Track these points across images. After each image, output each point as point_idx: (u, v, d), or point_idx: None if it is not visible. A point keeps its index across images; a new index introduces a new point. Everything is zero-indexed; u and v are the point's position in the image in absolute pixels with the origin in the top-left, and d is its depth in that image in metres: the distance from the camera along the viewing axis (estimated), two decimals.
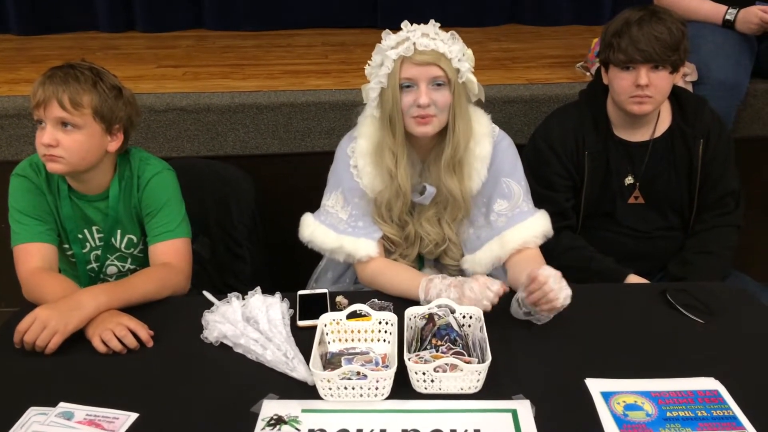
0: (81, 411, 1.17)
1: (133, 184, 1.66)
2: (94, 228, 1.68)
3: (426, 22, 1.52)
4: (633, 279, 1.79)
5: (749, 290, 1.61)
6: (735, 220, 1.87)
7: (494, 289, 1.38)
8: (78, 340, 1.36)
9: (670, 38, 1.68)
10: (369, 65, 1.56)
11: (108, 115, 1.55)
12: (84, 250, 1.69)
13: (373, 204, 1.63)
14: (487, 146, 1.59)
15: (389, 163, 1.56)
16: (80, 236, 1.68)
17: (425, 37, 1.47)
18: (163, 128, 2.33)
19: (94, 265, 1.72)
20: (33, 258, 1.57)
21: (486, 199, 1.63)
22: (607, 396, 1.19)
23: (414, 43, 1.46)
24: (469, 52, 1.54)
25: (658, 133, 1.85)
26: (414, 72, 1.48)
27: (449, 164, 1.56)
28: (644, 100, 1.73)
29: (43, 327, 1.32)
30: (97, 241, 1.69)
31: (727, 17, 2.26)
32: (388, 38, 1.51)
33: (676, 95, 1.86)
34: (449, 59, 1.48)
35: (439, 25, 1.52)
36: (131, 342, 1.34)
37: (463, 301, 1.39)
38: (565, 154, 1.86)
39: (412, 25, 1.51)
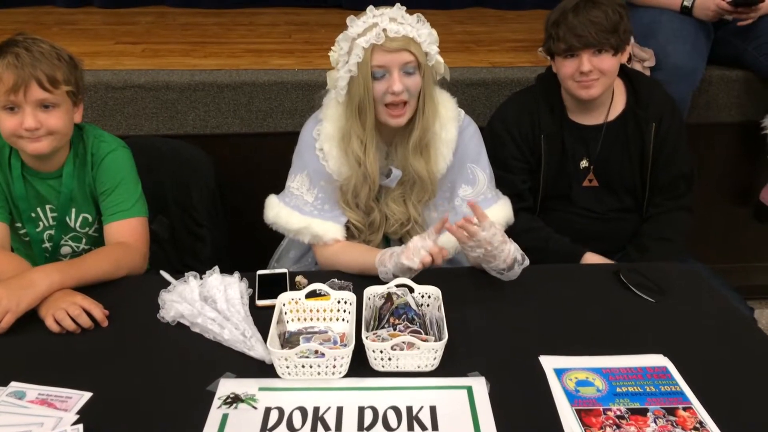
0: (33, 390, 1.16)
1: (86, 162, 1.63)
2: (47, 207, 1.64)
3: (391, 4, 1.51)
4: (589, 257, 1.83)
5: (699, 271, 1.65)
6: (686, 203, 1.92)
7: (428, 247, 1.39)
8: (30, 318, 1.34)
9: (607, 21, 1.71)
10: (334, 51, 1.54)
11: (75, 87, 1.53)
12: (37, 230, 1.66)
13: (338, 189, 1.62)
14: (452, 130, 1.60)
15: (357, 150, 1.55)
16: (33, 215, 1.64)
17: (393, 22, 1.45)
18: (120, 106, 2.28)
19: (47, 245, 1.68)
20: None
21: (450, 183, 1.64)
22: (559, 372, 1.22)
23: (384, 30, 1.44)
24: (434, 31, 1.53)
25: (611, 117, 1.88)
26: (386, 59, 1.46)
27: (417, 147, 1.56)
28: (590, 84, 1.76)
29: None
30: (50, 221, 1.66)
31: (685, 4, 2.29)
32: (354, 24, 1.48)
33: (630, 79, 1.90)
34: (419, 43, 1.47)
35: (405, 8, 1.50)
36: (85, 321, 1.32)
37: (404, 252, 1.41)
38: (521, 137, 1.88)
39: (377, 8, 1.49)
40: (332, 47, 1.54)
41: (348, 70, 1.49)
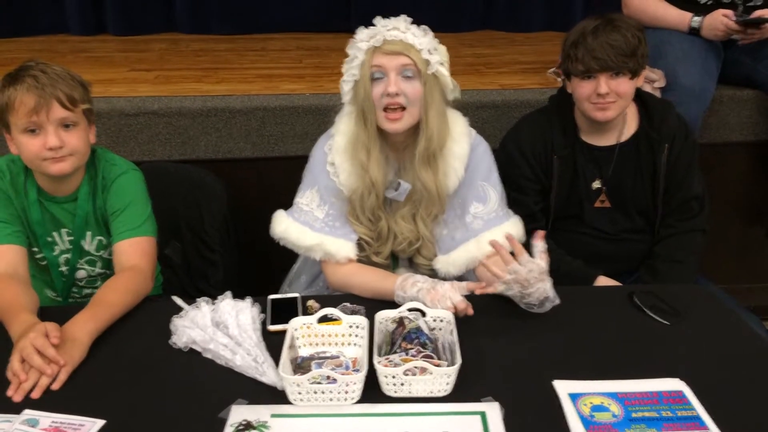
0: (46, 418, 1.16)
1: (98, 185, 1.64)
2: (63, 230, 1.66)
3: (375, 18, 1.55)
4: (602, 281, 1.81)
5: (714, 292, 1.64)
6: (699, 224, 1.90)
7: (455, 299, 1.40)
8: None
9: (626, 45, 1.71)
10: (345, 62, 1.58)
11: (89, 106, 1.57)
12: (54, 253, 1.67)
13: (347, 203, 1.63)
14: (464, 145, 1.61)
15: (362, 156, 1.57)
16: (50, 239, 1.66)
17: (395, 30, 1.51)
18: (134, 132, 2.31)
19: (64, 268, 1.70)
20: None
21: (461, 200, 1.64)
22: (574, 397, 1.21)
23: (384, 35, 1.50)
24: (442, 47, 1.56)
25: (624, 138, 1.88)
26: (383, 61, 1.50)
27: (423, 157, 1.57)
28: (607, 106, 1.76)
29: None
30: (67, 244, 1.67)
31: (693, 24, 2.30)
32: (361, 33, 1.54)
33: (642, 100, 1.89)
34: (419, 50, 1.50)
35: (411, 20, 1.53)
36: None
37: (431, 292, 1.41)
38: (534, 158, 1.88)
39: (384, 19, 1.53)
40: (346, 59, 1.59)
41: (352, 74, 1.53)
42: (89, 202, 1.64)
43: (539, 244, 1.44)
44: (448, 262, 1.63)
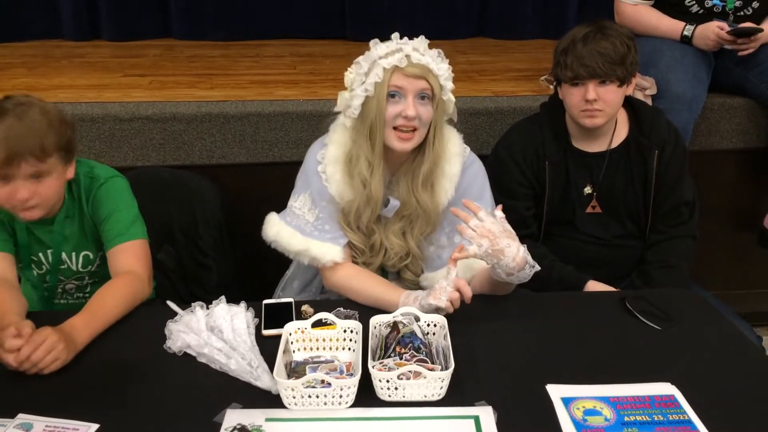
0: (40, 422, 1.16)
1: (82, 199, 1.63)
2: (48, 251, 1.65)
3: (400, 37, 1.54)
4: (592, 285, 1.82)
5: (705, 298, 1.65)
6: (689, 230, 1.92)
7: (451, 282, 1.43)
8: None
9: (615, 53, 1.73)
10: (350, 72, 1.57)
11: (66, 150, 1.50)
12: (40, 272, 1.67)
13: (340, 211, 1.64)
14: (456, 165, 1.62)
15: (365, 172, 1.57)
16: (35, 258, 1.65)
17: (416, 51, 1.51)
18: (128, 137, 2.31)
19: (50, 284, 1.69)
20: None
21: (451, 219, 1.64)
22: (567, 401, 1.22)
23: (408, 56, 1.49)
24: (451, 73, 1.57)
25: (614, 144, 1.90)
26: (404, 82, 1.50)
27: (426, 179, 1.58)
28: (594, 113, 1.78)
29: (50, 351, 1.27)
30: (50, 267, 1.66)
31: (685, 33, 2.32)
32: (378, 47, 1.52)
33: (633, 107, 1.91)
34: (437, 76, 1.51)
35: (427, 41, 1.54)
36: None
37: (431, 293, 1.43)
38: (525, 164, 1.90)
39: (402, 38, 1.53)
40: (347, 69, 1.58)
41: (365, 89, 1.52)
42: (74, 220, 1.63)
43: (498, 213, 1.47)
44: (435, 280, 1.63)
